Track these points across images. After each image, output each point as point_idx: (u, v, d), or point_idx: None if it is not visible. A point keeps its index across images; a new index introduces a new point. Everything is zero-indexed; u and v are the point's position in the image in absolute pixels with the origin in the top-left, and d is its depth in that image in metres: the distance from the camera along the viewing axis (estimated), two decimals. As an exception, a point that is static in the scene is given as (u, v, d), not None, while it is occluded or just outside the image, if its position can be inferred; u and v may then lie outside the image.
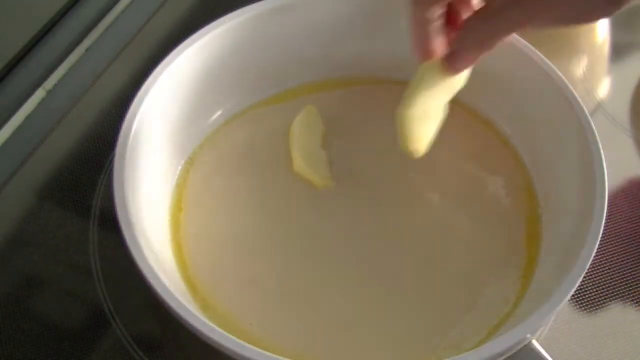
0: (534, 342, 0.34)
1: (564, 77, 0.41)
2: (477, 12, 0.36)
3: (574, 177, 0.39)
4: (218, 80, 0.44)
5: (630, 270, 0.45)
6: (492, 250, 0.41)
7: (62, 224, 0.46)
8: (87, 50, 0.54)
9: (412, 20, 0.38)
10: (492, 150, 0.45)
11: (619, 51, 0.57)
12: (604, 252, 0.45)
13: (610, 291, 0.44)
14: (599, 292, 0.44)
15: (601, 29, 0.58)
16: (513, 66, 0.43)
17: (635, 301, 0.44)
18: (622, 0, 0.32)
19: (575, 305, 0.43)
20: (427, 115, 0.39)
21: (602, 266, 0.45)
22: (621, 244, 0.46)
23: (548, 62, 0.42)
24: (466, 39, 0.36)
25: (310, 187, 0.43)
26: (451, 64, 0.37)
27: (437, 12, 0.37)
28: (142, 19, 0.56)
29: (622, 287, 0.44)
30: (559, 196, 0.41)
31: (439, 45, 0.38)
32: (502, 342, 0.32)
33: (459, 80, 0.39)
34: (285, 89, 0.47)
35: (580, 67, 0.55)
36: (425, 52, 0.38)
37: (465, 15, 0.38)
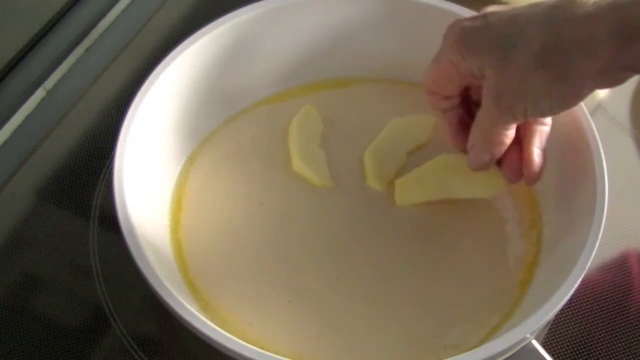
0: (534, 342, 0.34)
1: (564, 77, 0.41)
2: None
3: (574, 177, 0.39)
4: (218, 80, 0.44)
5: (630, 270, 0.45)
6: (492, 250, 0.41)
7: (62, 224, 0.46)
8: (87, 50, 0.54)
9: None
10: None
11: (619, 51, 0.57)
12: (604, 252, 0.45)
13: (610, 291, 0.44)
14: (599, 292, 0.44)
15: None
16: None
17: (635, 301, 0.44)
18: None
19: (575, 305, 0.43)
20: (386, 158, 0.43)
21: (602, 266, 0.45)
22: (620, 245, 0.46)
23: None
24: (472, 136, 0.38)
25: (309, 186, 0.43)
26: (468, 161, 0.38)
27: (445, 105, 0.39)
28: (142, 19, 0.56)
29: (622, 287, 0.44)
30: (559, 196, 0.41)
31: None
32: (502, 342, 0.32)
33: (422, 134, 0.44)
34: (284, 89, 0.47)
35: (580, 67, 0.54)
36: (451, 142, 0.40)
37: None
